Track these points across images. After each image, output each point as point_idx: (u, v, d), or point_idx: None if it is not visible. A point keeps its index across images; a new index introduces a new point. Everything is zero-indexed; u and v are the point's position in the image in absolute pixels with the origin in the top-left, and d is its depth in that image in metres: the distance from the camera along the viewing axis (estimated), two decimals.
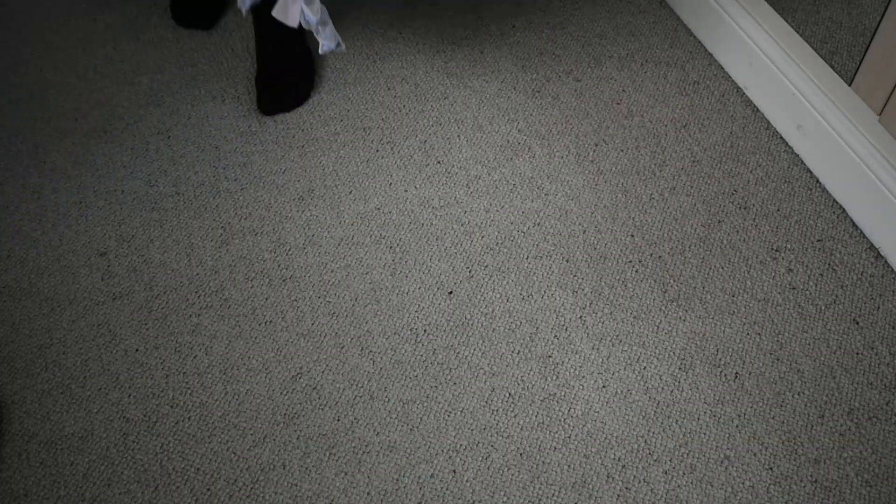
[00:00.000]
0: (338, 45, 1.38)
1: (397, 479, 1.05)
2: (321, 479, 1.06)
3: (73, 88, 1.48)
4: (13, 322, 1.20)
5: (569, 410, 1.10)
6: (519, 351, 1.16)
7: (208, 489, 1.06)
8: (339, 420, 1.11)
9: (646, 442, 1.07)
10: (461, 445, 1.08)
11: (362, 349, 1.17)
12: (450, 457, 1.07)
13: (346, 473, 1.06)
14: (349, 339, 1.18)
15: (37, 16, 1.61)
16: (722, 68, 1.44)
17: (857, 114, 1.20)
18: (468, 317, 1.19)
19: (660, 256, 1.23)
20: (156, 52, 1.54)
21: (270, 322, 1.20)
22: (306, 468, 1.07)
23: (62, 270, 1.25)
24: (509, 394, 1.12)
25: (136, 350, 1.18)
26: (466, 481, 1.05)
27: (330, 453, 1.08)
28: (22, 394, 1.13)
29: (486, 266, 1.24)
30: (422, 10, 1.57)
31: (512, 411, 1.11)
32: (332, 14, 1.57)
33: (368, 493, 1.05)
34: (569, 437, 1.08)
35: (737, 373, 1.12)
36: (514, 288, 1.21)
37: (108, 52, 1.54)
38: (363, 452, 1.08)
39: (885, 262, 1.20)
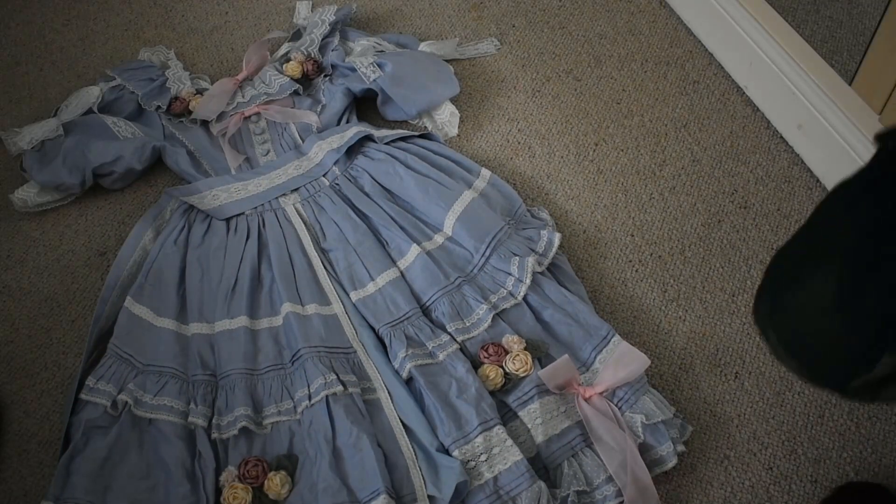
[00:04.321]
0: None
1: None
2: None
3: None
4: (13, 322, 1.20)
5: None
6: None
7: None
8: None
9: None
10: None
11: None
12: None
13: None
14: None
15: (37, 16, 1.61)
16: (722, 68, 1.44)
17: (858, 113, 1.20)
18: None
19: (660, 256, 1.23)
20: None
21: None
22: None
23: (62, 270, 1.25)
24: None
25: None
26: None
27: None
28: (22, 394, 1.13)
29: None
30: (419, 9, 1.57)
31: None
32: None
33: None
34: None
35: (737, 373, 1.12)
36: None
37: (108, 52, 1.54)
38: None
39: None
